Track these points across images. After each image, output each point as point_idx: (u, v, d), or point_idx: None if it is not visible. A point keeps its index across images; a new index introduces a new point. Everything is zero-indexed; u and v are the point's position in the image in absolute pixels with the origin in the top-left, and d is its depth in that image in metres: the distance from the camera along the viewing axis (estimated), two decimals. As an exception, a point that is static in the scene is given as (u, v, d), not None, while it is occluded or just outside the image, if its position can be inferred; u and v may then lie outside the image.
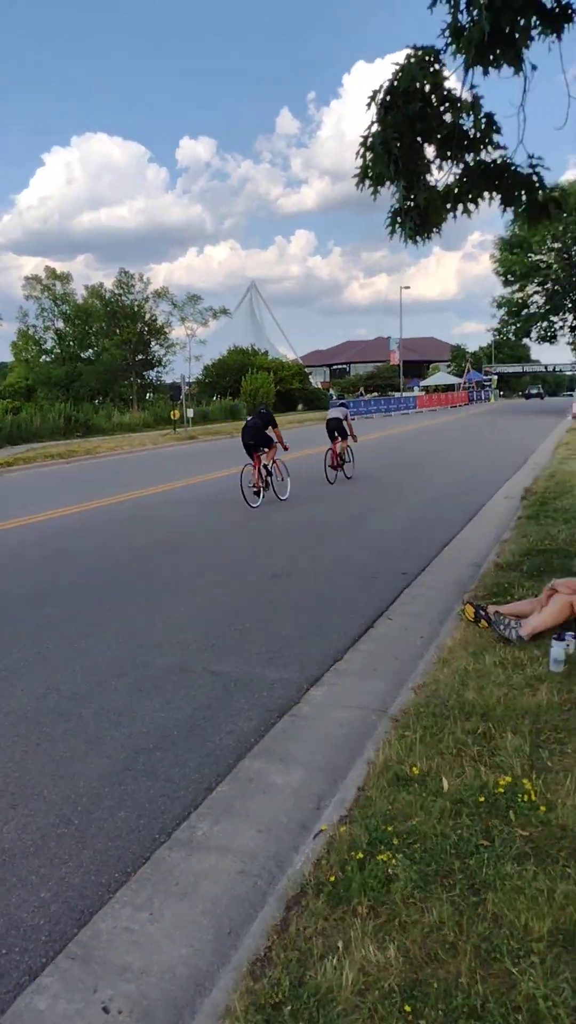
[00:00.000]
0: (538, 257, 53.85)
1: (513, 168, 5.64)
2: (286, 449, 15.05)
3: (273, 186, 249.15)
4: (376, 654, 6.25)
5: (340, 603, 7.65)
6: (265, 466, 14.39)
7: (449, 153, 5.67)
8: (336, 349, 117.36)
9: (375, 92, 5.45)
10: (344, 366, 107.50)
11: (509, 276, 55.05)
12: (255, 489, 14.05)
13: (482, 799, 3.59)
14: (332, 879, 3.14)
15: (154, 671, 6.01)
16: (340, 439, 17.31)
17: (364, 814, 3.61)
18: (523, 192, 5.66)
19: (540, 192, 5.62)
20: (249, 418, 14.88)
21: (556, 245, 52.63)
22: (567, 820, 3.39)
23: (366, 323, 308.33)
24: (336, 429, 17.30)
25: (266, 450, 14.38)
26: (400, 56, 5.44)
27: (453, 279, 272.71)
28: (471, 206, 5.70)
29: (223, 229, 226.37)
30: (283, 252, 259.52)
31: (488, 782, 3.73)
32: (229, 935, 3.11)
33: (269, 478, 14.52)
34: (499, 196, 5.70)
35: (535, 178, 5.63)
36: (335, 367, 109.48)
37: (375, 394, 67.67)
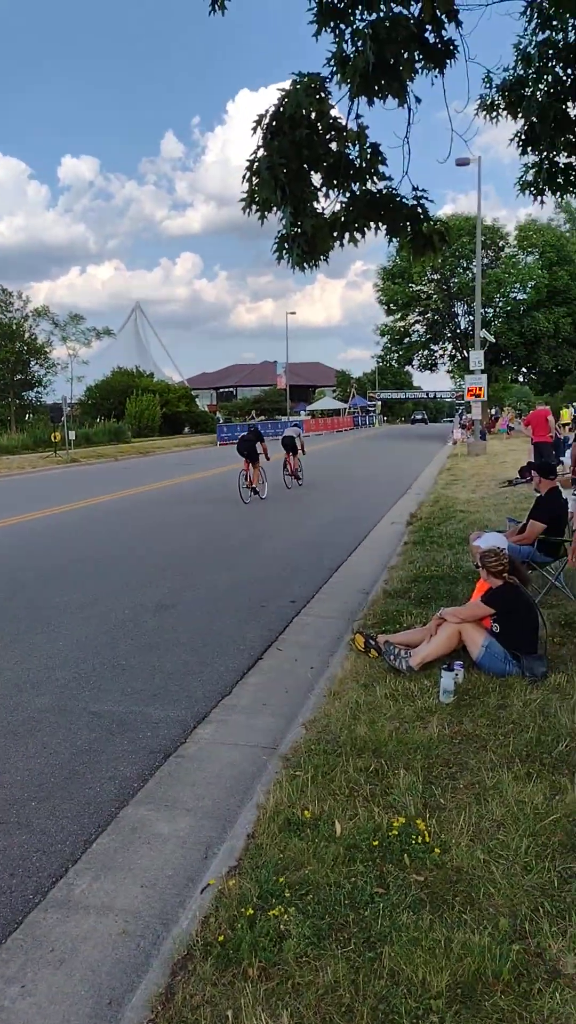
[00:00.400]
0: (419, 287, 55.51)
1: (398, 199, 5.67)
2: (268, 459, 18.11)
3: (158, 208, 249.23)
4: (266, 687, 6.09)
5: (228, 634, 7.46)
6: (243, 480, 17.53)
7: (335, 182, 5.65)
8: (223, 372, 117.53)
9: (260, 116, 5.38)
10: (231, 389, 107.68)
11: (391, 305, 56.47)
12: (248, 488, 17.54)
13: (376, 843, 3.47)
14: (221, 939, 2.95)
15: (29, 713, 5.66)
16: (292, 454, 20.49)
17: (254, 864, 3.43)
18: (408, 223, 5.69)
19: (425, 224, 5.67)
20: (243, 434, 18.40)
21: (436, 276, 54.41)
22: (462, 862, 3.31)
23: (253, 347, 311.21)
24: (290, 446, 20.31)
25: (254, 464, 17.74)
26: (285, 85, 5.40)
27: (338, 306, 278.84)
28: (357, 235, 5.69)
29: (107, 249, 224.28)
30: (169, 274, 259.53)
31: (382, 824, 3.62)
32: (109, 1006, 2.87)
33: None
34: (385, 226, 5.72)
35: (419, 210, 5.68)
36: (222, 390, 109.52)
37: (263, 418, 67.98)
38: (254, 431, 18.44)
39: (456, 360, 59.27)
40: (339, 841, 3.52)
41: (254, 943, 2.88)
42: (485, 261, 49.11)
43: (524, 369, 58.70)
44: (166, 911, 3.40)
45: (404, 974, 2.69)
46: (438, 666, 5.55)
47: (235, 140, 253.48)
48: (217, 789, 4.48)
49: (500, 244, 53.85)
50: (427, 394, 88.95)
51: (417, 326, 58.64)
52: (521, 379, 64.19)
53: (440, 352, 60.09)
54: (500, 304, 52.52)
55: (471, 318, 53.87)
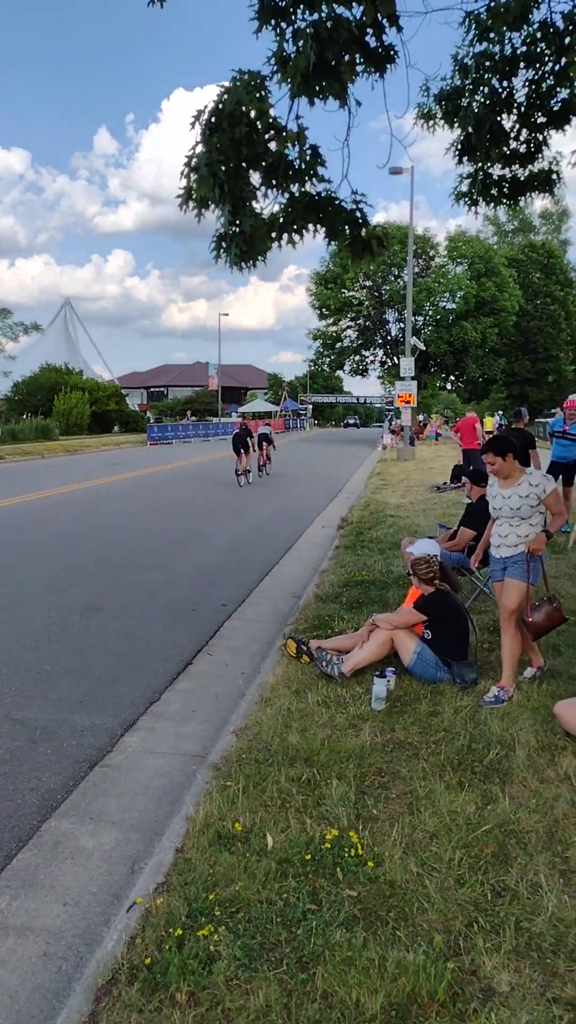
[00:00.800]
0: (351, 293, 55.95)
1: (337, 203, 5.62)
2: (253, 451, 22.47)
3: (90, 204, 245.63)
4: (196, 694, 5.98)
5: (158, 638, 7.30)
6: (239, 467, 21.54)
7: (274, 182, 5.56)
8: (154, 372, 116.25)
9: (199, 112, 5.26)
10: (162, 389, 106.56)
11: (324, 310, 56.79)
12: (240, 474, 21.44)
13: (308, 856, 3.40)
14: (148, 961, 2.84)
15: (-52, 721, 5.42)
16: (268, 445, 25.35)
17: (183, 880, 3.32)
18: (347, 227, 5.65)
19: (364, 229, 5.63)
20: (236, 431, 22.49)
21: (368, 283, 54.94)
22: (395, 875, 3.26)
23: (184, 347, 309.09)
24: (265, 439, 25.16)
25: (245, 454, 21.67)
26: (224, 84, 5.30)
27: (270, 309, 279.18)
28: (296, 237, 5.61)
29: (37, 243, 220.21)
30: (100, 271, 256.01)
31: (314, 836, 3.55)
32: (28, 1037, 2.72)
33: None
34: (324, 229, 5.66)
35: (358, 214, 5.64)
36: (153, 389, 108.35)
37: (195, 418, 67.51)
38: (245, 430, 22.48)
39: (387, 366, 59.91)
40: (271, 855, 3.44)
41: (182, 966, 2.78)
42: (416, 270, 49.79)
43: (452, 377, 59.72)
44: (90, 930, 3.26)
45: (338, 996, 2.62)
46: (370, 672, 5.52)
47: (170, 139, 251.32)
48: (144, 800, 4.34)
49: (431, 254, 54.72)
50: (357, 399, 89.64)
51: (349, 331, 59.15)
52: (449, 387, 65.31)
53: (371, 358, 60.73)
54: (430, 313, 53.32)
55: (401, 325, 54.64)
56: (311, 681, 5.69)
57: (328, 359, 61.48)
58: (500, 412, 26.47)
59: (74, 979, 2.97)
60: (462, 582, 7.34)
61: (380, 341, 58.60)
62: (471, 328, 51.85)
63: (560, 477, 12.31)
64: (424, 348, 48.01)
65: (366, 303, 55.77)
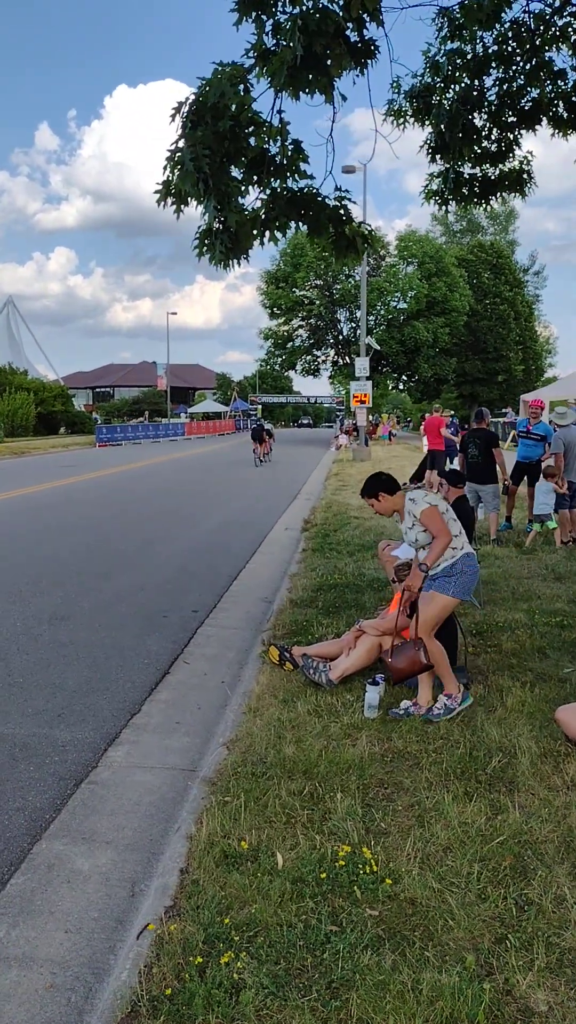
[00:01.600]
0: (302, 293, 55.97)
1: (321, 199, 5.52)
2: (273, 440, 32.39)
3: (31, 200, 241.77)
4: (177, 704, 5.80)
5: (130, 646, 7.10)
6: (256, 452, 30.32)
7: (256, 177, 5.44)
8: (99, 371, 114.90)
9: (180, 104, 5.11)
10: (108, 389, 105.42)
11: (275, 309, 56.71)
12: (258, 456, 30.07)
13: (323, 875, 3.27)
14: (168, 992, 2.68)
15: None
16: (269, 439, 31.52)
17: (193, 904, 3.17)
18: (330, 224, 5.55)
19: (347, 226, 5.54)
20: (254, 427, 32.27)
21: (319, 283, 55.03)
22: (414, 892, 3.16)
23: (130, 346, 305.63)
24: (265, 432, 31.07)
25: (259, 443, 30.10)
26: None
27: (217, 308, 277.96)
28: (278, 233, 5.51)
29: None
30: (42, 269, 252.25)
31: (326, 854, 3.43)
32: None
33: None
34: (306, 225, 5.56)
35: (342, 211, 5.55)
36: (99, 390, 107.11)
37: (142, 419, 66.90)
38: (260, 425, 32.26)
39: (338, 366, 60.10)
40: (283, 875, 3.30)
41: (208, 996, 2.63)
42: (367, 269, 50.02)
43: (404, 377, 60.14)
44: (96, 959, 3.09)
45: (374, 1023, 2.50)
46: (358, 679, 5.42)
47: (112, 136, 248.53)
48: (137, 818, 4.17)
49: (382, 253, 55.00)
50: (308, 399, 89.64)
51: (300, 331, 59.15)
52: (401, 386, 65.80)
53: (323, 358, 60.81)
54: (382, 312, 53.63)
55: (353, 325, 54.86)
56: (298, 690, 5.57)
57: (280, 359, 61.43)
58: (452, 412, 26.56)
59: (84, 1011, 2.80)
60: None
61: (332, 341, 58.75)
62: (422, 328, 52.27)
63: (525, 477, 12.40)
64: (378, 348, 48.26)
65: (317, 303, 55.86)
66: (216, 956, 2.82)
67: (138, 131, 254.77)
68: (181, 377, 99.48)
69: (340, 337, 57.85)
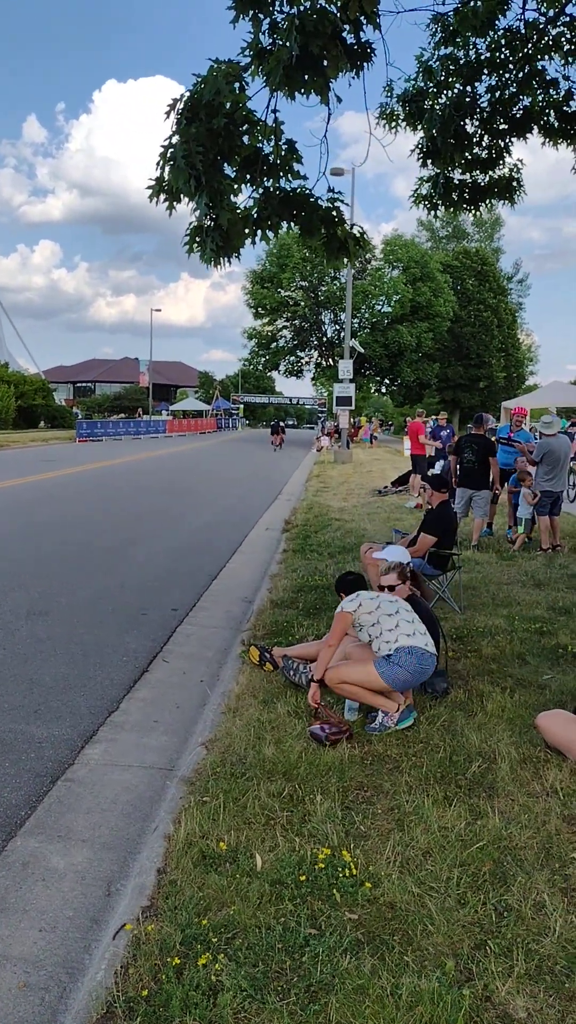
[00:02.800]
0: (287, 294, 55.97)
1: (313, 200, 5.51)
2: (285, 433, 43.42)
3: (17, 192, 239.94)
4: (155, 703, 5.77)
5: (109, 643, 7.05)
6: (273, 442, 42.86)
7: (249, 176, 5.42)
8: (81, 366, 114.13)
9: (175, 101, 5.08)
10: (89, 384, 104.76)
11: (260, 309, 56.64)
12: (276, 445, 41.81)
13: (303, 877, 3.26)
14: (145, 993, 2.66)
15: None
16: (282, 433, 41.39)
17: (171, 904, 3.15)
18: (322, 225, 5.54)
19: (339, 228, 5.53)
20: (273, 423, 47.00)
21: (304, 284, 55.04)
22: (394, 896, 3.15)
23: (112, 342, 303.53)
24: (281, 428, 39.88)
25: (275, 435, 43.26)
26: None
27: (201, 306, 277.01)
28: (270, 233, 5.49)
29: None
30: (26, 261, 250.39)
31: (305, 856, 3.42)
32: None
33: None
34: (298, 225, 5.55)
35: (335, 213, 5.54)
36: (80, 384, 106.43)
37: (123, 415, 66.59)
38: (277, 422, 44.41)
39: (321, 367, 60.14)
40: (262, 876, 3.29)
41: (185, 998, 2.61)
42: (353, 272, 50.10)
43: (387, 380, 60.29)
44: (70, 958, 3.06)
45: (353, 1029, 2.49)
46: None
47: (100, 130, 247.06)
48: (113, 816, 4.14)
49: (367, 257, 55.11)
50: (290, 400, 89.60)
51: (285, 332, 59.13)
52: (383, 390, 65.95)
53: (306, 359, 60.84)
54: (366, 316, 53.72)
55: (337, 327, 54.93)
56: (278, 690, 5.55)
57: (263, 359, 61.39)
58: (434, 417, 26.26)
59: (58, 1011, 2.78)
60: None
61: (315, 342, 58.79)
62: (406, 332, 52.43)
63: (506, 484, 12.46)
64: (363, 351, 48.35)
65: (302, 304, 55.87)
66: (194, 957, 2.80)
67: (127, 127, 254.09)
68: (163, 374, 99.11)
69: (324, 339, 57.91)
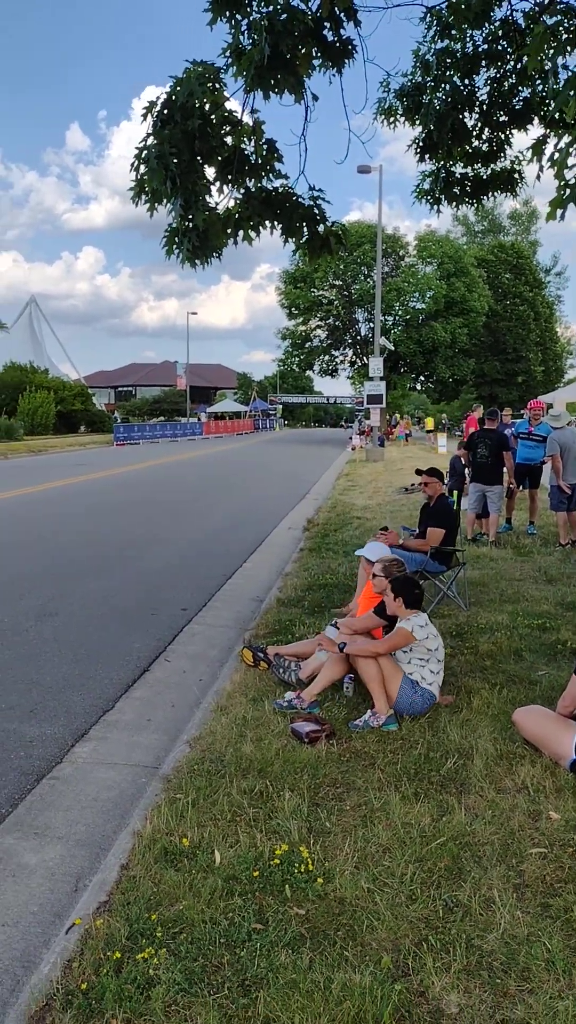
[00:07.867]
0: (320, 293, 55.88)
1: (295, 198, 5.52)
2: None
3: (61, 200, 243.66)
4: (151, 702, 5.82)
5: (114, 643, 7.13)
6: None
7: (230, 176, 5.45)
8: (122, 371, 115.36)
9: (151, 104, 5.13)
10: (130, 388, 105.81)
11: (293, 309, 56.64)
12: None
13: (256, 873, 3.27)
14: (84, 986, 2.70)
15: None
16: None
17: (125, 900, 3.18)
18: (304, 224, 5.55)
19: (321, 225, 5.54)
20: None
21: (337, 283, 54.92)
22: (345, 892, 3.15)
23: (154, 346, 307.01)
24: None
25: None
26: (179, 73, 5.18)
27: (242, 308, 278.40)
28: (252, 233, 5.51)
29: (5, 240, 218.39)
30: (70, 268, 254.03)
31: (264, 852, 3.43)
32: (-42, 1070, 2.57)
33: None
34: (280, 225, 5.56)
35: (316, 211, 5.54)
36: (120, 389, 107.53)
37: (163, 418, 67.16)
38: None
39: (356, 366, 59.95)
40: (218, 872, 3.31)
41: (119, 991, 2.65)
42: (386, 269, 49.90)
43: (422, 377, 59.90)
44: (29, 953, 3.11)
45: (280, 1021, 2.50)
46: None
47: (139, 136, 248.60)
48: (92, 814, 4.19)
49: (400, 253, 54.85)
50: (328, 399, 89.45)
51: (319, 331, 59.05)
52: (419, 387, 65.53)
53: (341, 358, 60.69)
54: (399, 313, 53.45)
55: (371, 325, 54.74)
56: (268, 688, 5.57)
57: (297, 359, 61.39)
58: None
59: (8, 1004, 2.82)
60: (424, 586, 7.25)
61: (350, 341, 58.61)
62: (441, 328, 52.04)
63: (527, 479, 12.31)
64: (393, 348, 48.10)
65: (335, 302, 55.76)
66: (136, 952, 2.83)
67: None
68: (202, 376, 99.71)
69: (358, 337, 57.70)
